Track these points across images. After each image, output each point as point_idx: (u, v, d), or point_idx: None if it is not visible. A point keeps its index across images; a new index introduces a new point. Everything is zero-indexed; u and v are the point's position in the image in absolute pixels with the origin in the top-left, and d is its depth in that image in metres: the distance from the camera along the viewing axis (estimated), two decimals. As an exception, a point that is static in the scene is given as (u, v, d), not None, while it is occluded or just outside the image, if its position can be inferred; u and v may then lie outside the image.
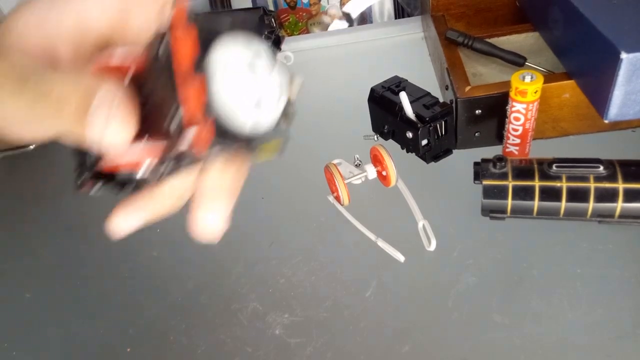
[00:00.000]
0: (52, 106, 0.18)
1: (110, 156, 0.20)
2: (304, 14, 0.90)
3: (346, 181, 0.47)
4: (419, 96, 0.50)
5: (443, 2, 0.62)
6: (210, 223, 0.21)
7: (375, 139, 0.55)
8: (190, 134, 0.17)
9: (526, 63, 0.52)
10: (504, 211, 0.41)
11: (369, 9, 0.86)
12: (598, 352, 0.34)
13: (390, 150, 0.47)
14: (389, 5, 0.85)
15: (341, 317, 0.40)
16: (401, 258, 0.42)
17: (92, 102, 0.18)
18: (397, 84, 0.52)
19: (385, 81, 0.53)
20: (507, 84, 0.44)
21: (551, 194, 0.39)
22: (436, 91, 0.56)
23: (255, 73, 0.18)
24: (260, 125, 0.19)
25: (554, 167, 0.40)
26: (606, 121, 0.39)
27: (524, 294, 0.38)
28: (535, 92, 0.43)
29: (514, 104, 0.44)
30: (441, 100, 0.50)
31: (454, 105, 0.49)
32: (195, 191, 0.21)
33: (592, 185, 0.38)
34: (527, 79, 0.42)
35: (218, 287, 0.44)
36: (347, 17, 0.89)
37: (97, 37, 0.21)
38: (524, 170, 0.41)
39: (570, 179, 0.39)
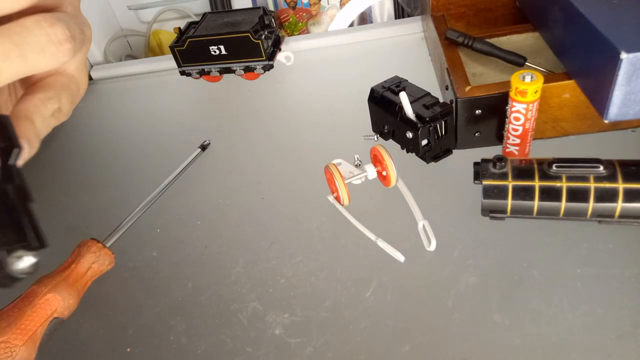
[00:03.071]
0: None
1: None
2: (304, 14, 0.90)
3: (346, 181, 0.47)
4: (419, 96, 0.50)
5: (443, 2, 0.62)
6: None
7: (375, 139, 0.55)
8: None
9: (526, 63, 0.52)
10: (504, 211, 0.41)
11: (369, 9, 0.86)
12: (598, 352, 0.34)
13: (390, 150, 0.47)
14: (389, 5, 0.85)
15: (341, 317, 0.40)
16: (401, 258, 0.42)
17: None
18: (397, 84, 0.52)
19: (385, 81, 0.53)
20: (507, 84, 0.44)
21: (551, 194, 0.39)
22: (436, 91, 0.56)
23: None
24: None
25: (554, 167, 0.40)
26: (606, 121, 0.39)
27: (524, 294, 0.38)
28: (535, 92, 0.43)
29: (514, 104, 0.44)
30: (441, 100, 0.50)
31: (454, 105, 0.49)
32: None
33: (592, 185, 0.38)
34: (527, 79, 0.42)
35: (218, 287, 0.44)
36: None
37: None
38: (524, 170, 0.41)
39: (570, 179, 0.39)
